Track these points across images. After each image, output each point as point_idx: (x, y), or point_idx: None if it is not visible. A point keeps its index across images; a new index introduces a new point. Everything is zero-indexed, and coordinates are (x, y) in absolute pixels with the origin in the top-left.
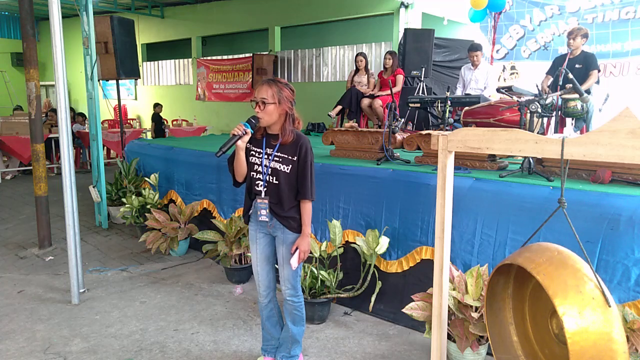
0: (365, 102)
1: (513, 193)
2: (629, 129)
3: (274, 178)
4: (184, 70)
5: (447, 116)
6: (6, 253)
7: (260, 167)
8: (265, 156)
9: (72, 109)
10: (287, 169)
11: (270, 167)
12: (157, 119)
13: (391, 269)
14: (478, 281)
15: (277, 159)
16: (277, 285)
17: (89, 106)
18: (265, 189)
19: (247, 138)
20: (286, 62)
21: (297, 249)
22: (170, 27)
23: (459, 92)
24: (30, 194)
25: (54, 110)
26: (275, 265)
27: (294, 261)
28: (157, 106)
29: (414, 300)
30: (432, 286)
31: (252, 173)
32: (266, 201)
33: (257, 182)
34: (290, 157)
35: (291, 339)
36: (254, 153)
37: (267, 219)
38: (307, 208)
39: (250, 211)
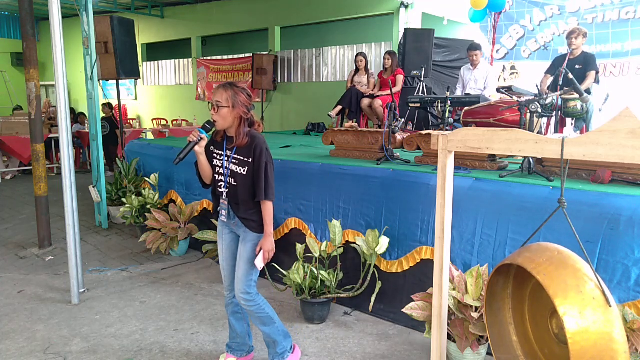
0: (365, 102)
1: (513, 193)
2: (629, 129)
3: (233, 180)
4: (184, 70)
5: (447, 116)
6: (6, 253)
7: (221, 169)
8: (226, 158)
9: (72, 110)
10: (244, 170)
11: (230, 169)
12: (111, 123)
13: (391, 269)
14: (478, 281)
15: (235, 161)
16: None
17: (89, 106)
18: (227, 190)
19: (203, 143)
20: (286, 62)
21: (261, 249)
22: (170, 27)
23: (458, 93)
24: (30, 194)
25: (107, 104)
26: None
27: (259, 262)
28: (106, 106)
29: (414, 300)
30: (432, 286)
31: (214, 175)
32: (226, 202)
33: (219, 184)
34: (245, 159)
35: (271, 340)
36: (215, 155)
37: (225, 219)
38: (266, 208)
39: (218, 208)
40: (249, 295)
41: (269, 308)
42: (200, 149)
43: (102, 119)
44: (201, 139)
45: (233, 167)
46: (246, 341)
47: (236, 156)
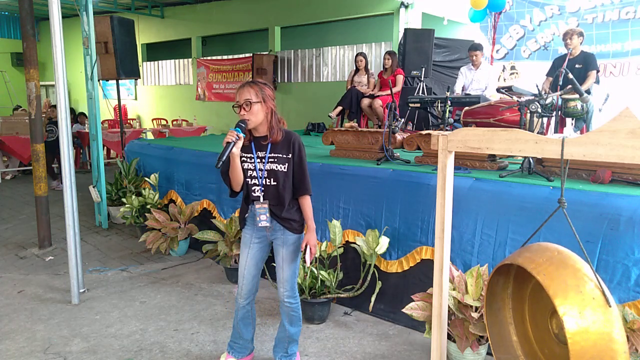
0: (365, 102)
1: (513, 193)
2: (629, 129)
3: (272, 180)
4: (184, 70)
5: (447, 116)
6: (6, 253)
7: (254, 172)
8: (258, 160)
9: (72, 110)
10: (284, 167)
11: (266, 170)
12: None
13: (391, 269)
14: (478, 281)
15: (272, 159)
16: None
17: (89, 106)
18: (262, 193)
19: (240, 143)
20: (286, 62)
21: (306, 245)
22: (170, 27)
23: (457, 90)
24: (30, 194)
25: (54, 106)
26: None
27: (308, 257)
28: (53, 108)
29: (414, 300)
30: (432, 286)
31: (246, 180)
32: (266, 205)
33: (253, 188)
34: (285, 156)
35: (289, 339)
36: (245, 159)
37: (267, 224)
38: (308, 203)
39: (247, 214)
40: (294, 292)
41: (301, 310)
42: (237, 151)
43: (50, 122)
44: (239, 138)
45: (272, 166)
46: (249, 344)
47: (274, 154)
